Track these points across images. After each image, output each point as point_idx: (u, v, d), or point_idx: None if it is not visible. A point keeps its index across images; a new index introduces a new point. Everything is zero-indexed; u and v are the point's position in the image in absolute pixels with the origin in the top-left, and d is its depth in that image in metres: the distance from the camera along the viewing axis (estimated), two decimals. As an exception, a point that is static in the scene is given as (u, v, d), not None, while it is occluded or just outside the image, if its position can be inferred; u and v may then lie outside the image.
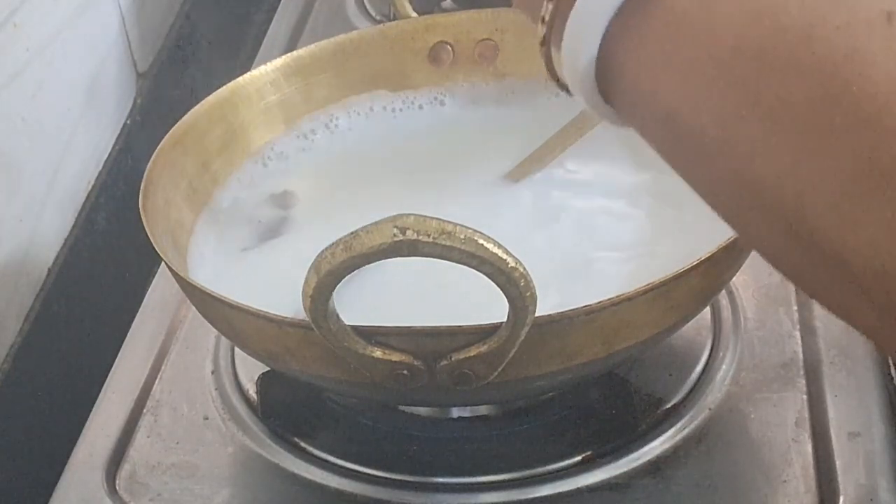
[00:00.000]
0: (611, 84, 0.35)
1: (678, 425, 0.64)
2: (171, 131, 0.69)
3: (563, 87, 0.37)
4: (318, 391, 0.67)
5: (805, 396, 0.65)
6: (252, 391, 0.69)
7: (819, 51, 0.30)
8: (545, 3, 0.35)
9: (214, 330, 0.63)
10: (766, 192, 0.31)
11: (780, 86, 0.30)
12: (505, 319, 0.51)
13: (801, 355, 0.68)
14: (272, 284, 0.65)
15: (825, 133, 0.30)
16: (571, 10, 0.34)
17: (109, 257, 0.87)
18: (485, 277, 0.48)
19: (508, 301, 0.49)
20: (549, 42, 0.36)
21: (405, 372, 0.53)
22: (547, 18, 0.35)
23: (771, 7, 0.31)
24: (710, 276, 0.57)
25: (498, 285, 0.49)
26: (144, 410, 0.69)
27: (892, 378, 0.67)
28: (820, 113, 0.30)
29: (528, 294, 0.49)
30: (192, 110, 0.71)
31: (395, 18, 0.80)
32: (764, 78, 0.31)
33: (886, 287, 0.29)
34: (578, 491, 0.62)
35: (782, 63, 0.30)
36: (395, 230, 0.47)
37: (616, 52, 0.34)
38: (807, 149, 0.30)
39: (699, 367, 0.67)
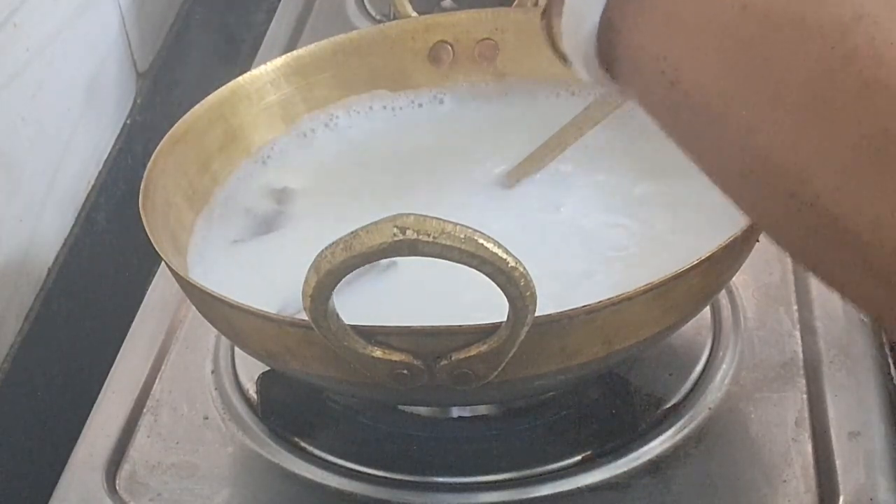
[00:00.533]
0: (612, 53, 0.35)
1: (678, 425, 0.64)
2: (171, 131, 0.69)
3: (563, 58, 0.37)
4: (318, 391, 0.67)
5: (805, 396, 0.65)
6: (252, 391, 0.69)
7: (827, 13, 0.29)
8: None
9: (214, 330, 0.63)
10: (769, 162, 0.31)
11: (787, 48, 0.30)
12: (505, 319, 0.51)
13: (801, 355, 0.68)
14: (265, 277, 0.66)
15: (832, 99, 0.29)
16: None
17: (109, 257, 0.87)
18: (485, 277, 0.48)
19: (508, 301, 0.49)
20: (551, 12, 0.35)
21: (405, 372, 0.53)
22: None
23: None
24: (710, 276, 0.57)
25: (498, 285, 0.49)
26: (144, 410, 0.69)
27: (892, 378, 0.67)
28: (827, 77, 0.29)
29: (528, 294, 0.49)
30: (192, 110, 0.71)
31: (395, 18, 0.80)
32: (770, 39, 0.30)
33: (894, 263, 0.29)
34: (578, 491, 0.62)
35: (790, 24, 0.30)
36: (395, 230, 0.47)
37: (618, 19, 0.34)
38: (813, 115, 0.29)
39: (699, 367, 0.67)
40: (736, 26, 0.31)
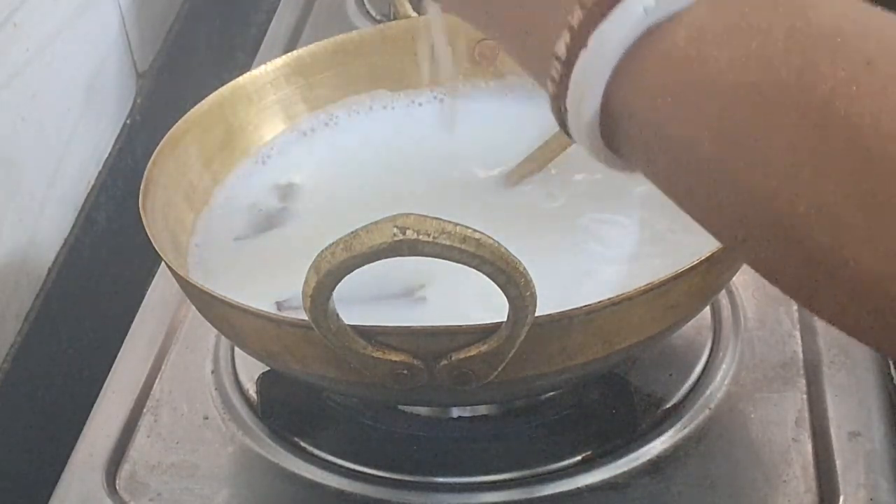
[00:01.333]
0: (613, 130, 0.38)
1: (678, 425, 0.64)
2: (170, 131, 0.69)
3: (570, 136, 0.39)
4: (318, 391, 0.67)
5: (805, 396, 0.65)
6: (252, 391, 0.69)
7: (809, 89, 0.32)
8: (553, 62, 0.37)
9: (214, 330, 0.63)
10: (769, 215, 0.33)
11: (775, 115, 0.33)
12: (505, 319, 0.51)
13: (801, 355, 0.68)
14: (266, 274, 0.66)
15: (819, 161, 0.32)
16: (574, 68, 0.37)
17: (109, 257, 0.87)
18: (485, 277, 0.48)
19: (508, 301, 0.49)
20: (562, 97, 0.38)
21: (405, 372, 0.53)
22: (557, 77, 0.37)
23: (761, 52, 0.33)
24: (710, 276, 0.57)
25: (498, 285, 0.49)
26: (144, 410, 0.69)
27: (892, 378, 0.67)
28: (813, 139, 0.32)
29: (528, 294, 0.49)
30: (192, 110, 0.71)
31: (395, 18, 0.80)
32: (759, 110, 0.33)
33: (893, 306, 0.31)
34: (578, 491, 0.62)
35: (775, 97, 0.33)
36: (396, 230, 0.47)
37: (618, 100, 0.37)
38: (806, 174, 0.32)
39: (699, 367, 0.67)
40: (727, 100, 0.34)
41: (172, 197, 0.67)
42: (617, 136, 0.38)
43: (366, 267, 0.48)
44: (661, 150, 0.37)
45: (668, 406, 0.65)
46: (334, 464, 0.64)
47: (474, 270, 0.48)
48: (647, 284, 0.53)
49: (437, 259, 0.48)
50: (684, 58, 0.35)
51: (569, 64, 0.37)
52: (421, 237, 0.46)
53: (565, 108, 0.38)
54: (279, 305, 0.62)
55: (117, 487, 0.65)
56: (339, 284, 0.49)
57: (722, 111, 0.34)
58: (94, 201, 0.86)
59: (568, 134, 0.39)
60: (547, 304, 0.51)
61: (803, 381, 0.66)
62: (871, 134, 0.31)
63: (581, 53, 0.36)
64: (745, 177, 0.34)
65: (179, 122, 0.70)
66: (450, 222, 0.47)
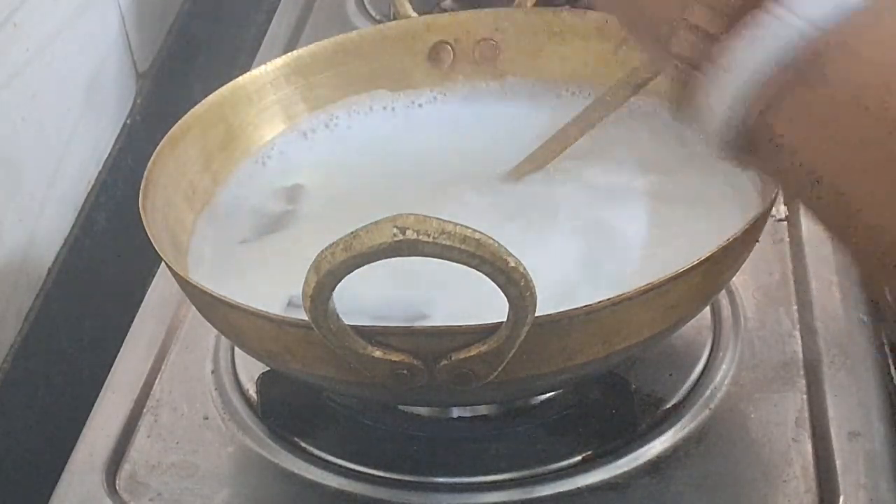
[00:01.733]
0: (758, 138, 0.37)
1: (678, 425, 0.64)
2: (170, 131, 0.69)
3: (683, 119, 0.40)
4: (318, 391, 0.67)
5: (805, 396, 0.65)
6: (252, 391, 0.69)
7: None
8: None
9: (214, 330, 0.63)
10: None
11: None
12: (505, 319, 0.51)
13: (801, 355, 0.68)
14: (270, 276, 0.66)
15: None
16: (723, 73, 0.36)
17: (109, 257, 0.87)
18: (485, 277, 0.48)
19: (508, 301, 0.49)
20: (700, 93, 0.38)
21: (405, 372, 0.53)
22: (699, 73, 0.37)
23: None
24: (710, 276, 0.57)
25: (498, 285, 0.49)
26: (144, 410, 0.69)
27: (892, 378, 0.67)
28: None
29: (528, 294, 0.49)
30: (192, 110, 0.71)
31: (395, 18, 0.80)
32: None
33: None
34: (578, 491, 0.62)
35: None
36: (395, 230, 0.47)
37: (773, 114, 0.36)
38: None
39: (699, 367, 0.67)
40: (884, 143, 0.34)
41: (172, 197, 0.67)
42: (757, 142, 0.37)
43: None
44: (800, 176, 0.36)
45: (668, 406, 0.65)
46: (334, 464, 0.64)
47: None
48: (647, 284, 0.53)
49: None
50: (840, 87, 0.34)
51: (713, 61, 0.37)
52: (421, 237, 0.46)
53: (703, 104, 0.38)
54: (291, 301, 0.61)
55: (117, 487, 0.65)
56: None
57: (874, 154, 0.34)
58: (94, 201, 0.86)
59: (697, 127, 0.39)
60: (547, 304, 0.51)
61: (803, 382, 0.66)
62: None
63: (729, 54, 0.36)
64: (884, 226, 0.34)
65: (179, 122, 0.70)
66: (450, 222, 0.47)
